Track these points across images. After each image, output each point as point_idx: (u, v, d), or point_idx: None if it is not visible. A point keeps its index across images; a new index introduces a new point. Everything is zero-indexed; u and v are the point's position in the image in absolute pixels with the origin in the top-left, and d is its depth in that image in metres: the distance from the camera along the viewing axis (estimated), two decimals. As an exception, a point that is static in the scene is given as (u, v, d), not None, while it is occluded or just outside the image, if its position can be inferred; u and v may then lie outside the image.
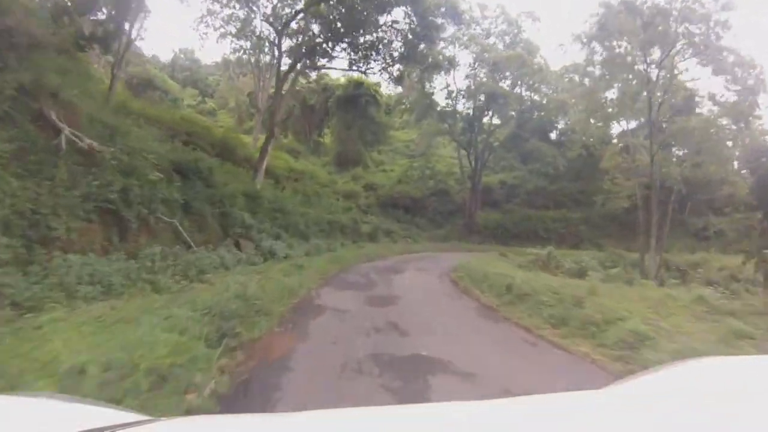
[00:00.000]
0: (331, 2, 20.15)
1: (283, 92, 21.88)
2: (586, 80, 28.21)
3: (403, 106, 38.65)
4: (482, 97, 32.42)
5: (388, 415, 1.39)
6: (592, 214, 35.86)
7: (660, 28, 22.06)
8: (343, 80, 42.17)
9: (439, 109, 33.96)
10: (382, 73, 23.52)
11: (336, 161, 40.46)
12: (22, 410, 1.26)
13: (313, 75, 32.32)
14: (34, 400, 1.43)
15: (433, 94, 33.20)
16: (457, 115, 34.68)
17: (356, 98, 41.06)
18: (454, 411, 1.34)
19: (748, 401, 1.12)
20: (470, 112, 33.20)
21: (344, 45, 21.99)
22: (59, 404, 1.38)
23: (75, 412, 1.27)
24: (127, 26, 16.74)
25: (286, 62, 22.38)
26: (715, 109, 25.97)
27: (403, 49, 22.10)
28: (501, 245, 31.22)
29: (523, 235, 33.39)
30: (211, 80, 53.93)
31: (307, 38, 22.28)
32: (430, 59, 23.97)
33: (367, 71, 23.96)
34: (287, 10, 21.62)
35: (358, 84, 41.67)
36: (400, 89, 31.31)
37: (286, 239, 15.93)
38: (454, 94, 34.00)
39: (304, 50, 21.96)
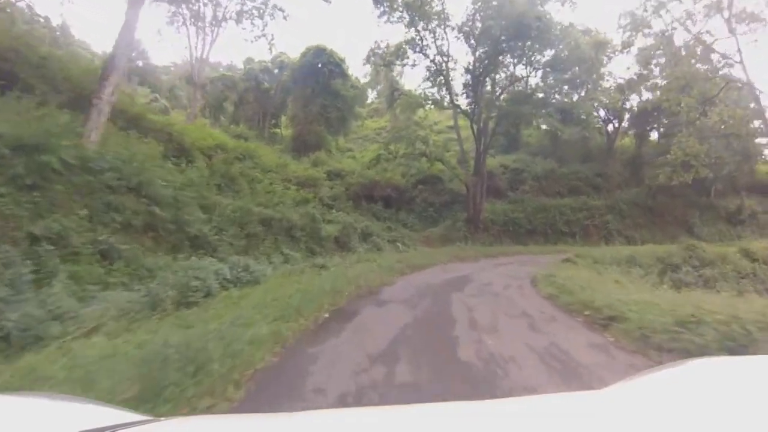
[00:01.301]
0: None
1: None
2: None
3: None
4: (497, 31, 22.31)
5: (388, 415, 1.39)
6: (616, 202, 28.98)
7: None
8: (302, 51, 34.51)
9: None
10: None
11: (292, 146, 32.63)
12: (22, 410, 1.24)
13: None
14: (34, 400, 1.43)
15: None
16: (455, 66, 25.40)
17: (317, 69, 33.19)
18: (455, 411, 1.37)
19: (748, 401, 1.10)
20: (471, 61, 24.14)
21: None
22: (59, 404, 1.40)
23: (75, 412, 1.29)
24: None
25: None
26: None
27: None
28: (518, 244, 24.10)
29: (539, 230, 26.20)
30: (165, 80, 45.83)
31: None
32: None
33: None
34: None
35: (320, 51, 33.75)
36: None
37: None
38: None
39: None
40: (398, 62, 24.50)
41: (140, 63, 45.52)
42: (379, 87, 47.18)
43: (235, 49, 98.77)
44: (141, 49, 45.24)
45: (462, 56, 24.67)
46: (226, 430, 1.28)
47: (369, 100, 49.93)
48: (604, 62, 29.43)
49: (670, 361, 2.34)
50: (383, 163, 25.01)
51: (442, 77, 24.49)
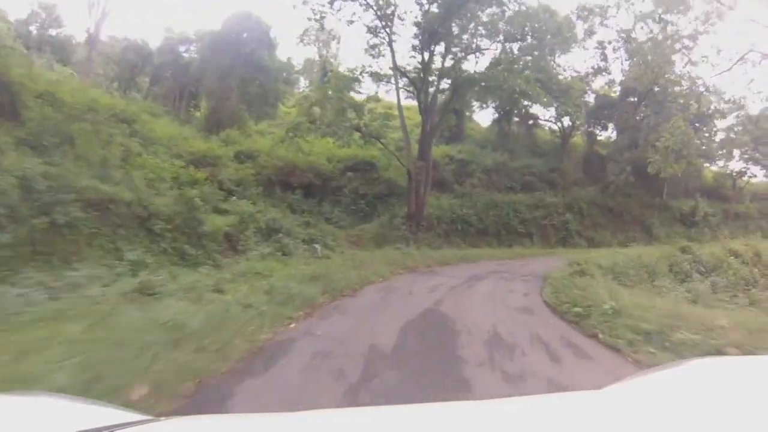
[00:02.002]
0: None
1: None
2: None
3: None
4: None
5: (387, 415, 1.39)
6: (575, 200, 25.39)
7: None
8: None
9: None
10: None
11: (206, 123, 26.89)
12: (22, 410, 1.24)
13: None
14: (34, 399, 1.40)
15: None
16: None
17: (240, 38, 27.65)
18: (455, 411, 1.38)
19: (748, 401, 1.10)
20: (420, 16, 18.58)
21: None
22: (59, 404, 1.38)
23: (75, 412, 1.27)
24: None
25: None
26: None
27: None
28: (471, 246, 19.75)
29: (492, 230, 21.96)
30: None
31: None
32: None
33: None
34: None
35: (244, 17, 28.22)
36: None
37: None
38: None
39: None
40: (332, 10, 18.91)
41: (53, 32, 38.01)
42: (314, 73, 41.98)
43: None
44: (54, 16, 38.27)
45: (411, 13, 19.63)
46: (226, 430, 1.29)
47: (301, 89, 44.41)
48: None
49: None
50: (303, 138, 19.42)
51: (385, 33, 19.32)
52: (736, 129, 34.75)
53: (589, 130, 32.60)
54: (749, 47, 23.71)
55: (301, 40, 34.26)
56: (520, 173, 26.63)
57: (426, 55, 19.07)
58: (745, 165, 39.25)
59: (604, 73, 31.08)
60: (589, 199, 25.90)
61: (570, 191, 26.11)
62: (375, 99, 22.50)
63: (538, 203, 23.99)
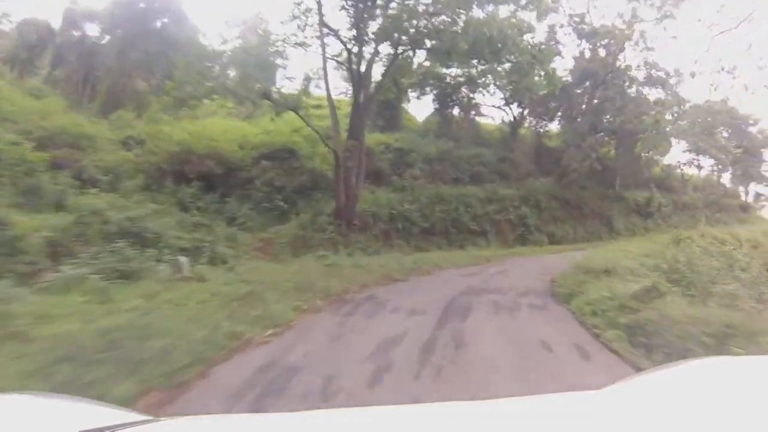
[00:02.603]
0: None
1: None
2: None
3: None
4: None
5: (387, 415, 1.38)
6: (531, 192, 22.30)
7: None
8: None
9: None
10: None
11: (103, 103, 21.72)
12: (22, 410, 1.23)
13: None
14: (34, 399, 1.39)
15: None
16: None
17: (147, 6, 22.94)
18: (454, 411, 1.36)
19: (748, 401, 1.10)
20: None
21: None
22: (59, 404, 1.38)
23: (75, 412, 1.27)
24: None
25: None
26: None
27: None
28: (415, 249, 15.89)
29: (439, 229, 18.23)
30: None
31: None
32: None
33: None
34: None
35: None
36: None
37: None
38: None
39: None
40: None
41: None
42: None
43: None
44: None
45: None
46: (226, 430, 1.28)
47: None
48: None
49: None
50: (197, 106, 14.79)
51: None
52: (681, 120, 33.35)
53: (540, 116, 29.84)
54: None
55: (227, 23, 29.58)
56: (468, 163, 23.14)
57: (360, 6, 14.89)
58: (693, 156, 38.64)
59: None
60: (546, 191, 22.88)
61: (524, 183, 22.96)
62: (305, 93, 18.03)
63: (491, 196, 20.54)
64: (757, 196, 46.20)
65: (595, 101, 25.65)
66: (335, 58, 16.96)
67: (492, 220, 19.62)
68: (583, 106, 26.89)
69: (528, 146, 29.34)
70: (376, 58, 15.86)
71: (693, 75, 15.71)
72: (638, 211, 28.04)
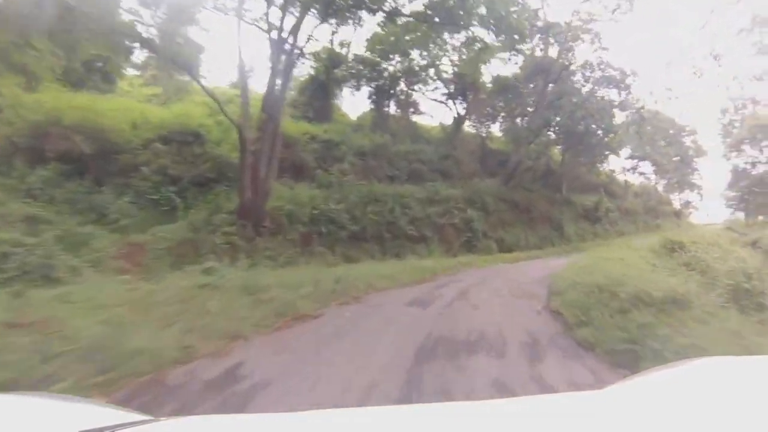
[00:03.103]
0: None
1: None
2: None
3: None
4: None
5: (388, 415, 1.39)
6: (478, 194, 20.01)
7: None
8: None
9: None
10: None
11: None
12: (22, 410, 1.23)
13: None
14: (34, 399, 1.41)
15: None
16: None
17: None
18: (454, 411, 1.38)
19: (748, 401, 1.10)
20: None
21: None
22: (59, 404, 1.40)
23: (75, 412, 1.27)
24: None
25: None
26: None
27: None
28: (341, 259, 13.00)
29: (372, 234, 15.44)
30: None
31: None
32: None
33: None
34: None
35: None
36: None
37: None
38: None
39: None
40: None
41: None
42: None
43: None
44: None
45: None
46: (226, 430, 1.27)
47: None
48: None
49: None
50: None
51: None
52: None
53: (486, 115, 27.73)
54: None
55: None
56: (406, 159, 20.47)
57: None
58: (636, 162, 38.39)
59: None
60: (493, 193, 20.62)
61: (469, 183, 20.56)
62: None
63: (432, 197, 17.92)
64: (687, 203, 47.70)
65: (548, 99, 23.76)
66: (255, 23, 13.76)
67: (433, 224, 17.01)
68: (532, 105, 25.07)
69: (472, 144, 27.18)
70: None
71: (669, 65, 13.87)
72: (586, 216, 26.61)
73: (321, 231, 13.68)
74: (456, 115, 26.51)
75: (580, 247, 20.51)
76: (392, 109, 26.43)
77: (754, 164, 44.09)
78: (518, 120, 26.83)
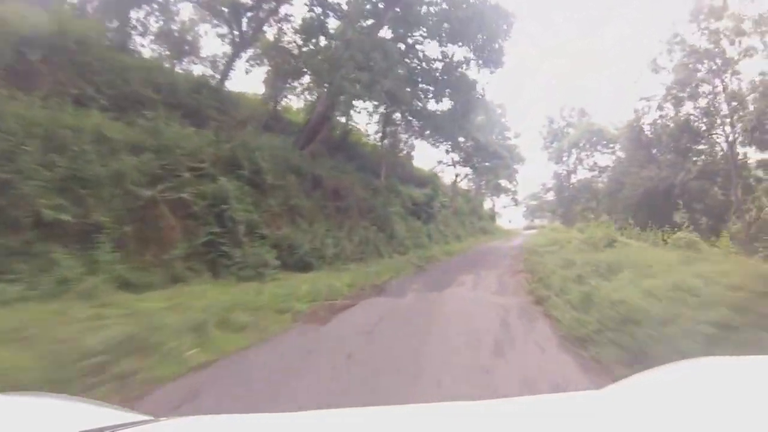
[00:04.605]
0: None
1: None
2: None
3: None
4: None
5: (387, 415, 1.35)
6: (247, 151, 10.53)
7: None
8: None
9: None
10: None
11: None
12: (22, 410, 1.21)
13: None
14: (34, 399, 1.37)
15: None
16: None
17: None
18: (453, 411, 1.33)
19: (748, 401, 1.07)
20: None
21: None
22: (59, 404, 1.35)
23: (75, 412, 1.25)
24: None
25: None
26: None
27: None
28: None
29: None
30: None
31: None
32: None
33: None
34: None
35: None
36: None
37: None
38: None
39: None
40: None
41: None
42: None
43: None
44: None
45: None
46: (226, 430, 1.26)
47: None
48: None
49: None
50: None
51: None
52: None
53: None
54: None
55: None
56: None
57: None
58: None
59: None
60: (277, 157, 11.40)
61: (235, 134, 10.99)
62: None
63: (143, 143, 7.98)
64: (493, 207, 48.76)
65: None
66: None
67: (130, 200, 7.08)
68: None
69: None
70: None
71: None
72: (416, 213, 19.07)
73: None
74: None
75: (422, 258, 12.71)
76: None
77: (569, 174, 45.49)
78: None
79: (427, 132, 21.44)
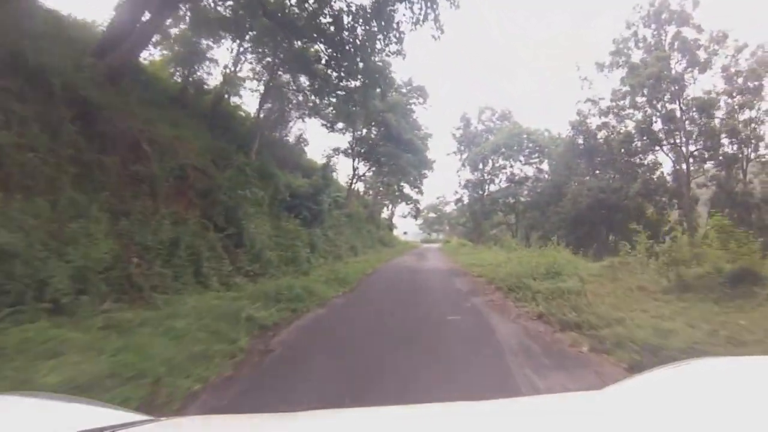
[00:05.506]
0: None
1: None
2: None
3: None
4: None
5: (387, 415, 1.35)
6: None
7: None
8: None
9: None
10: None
11: None
12: (21, 410, 1.20)
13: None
14: (34, 399, 1.35)
15: None
16: None
17: None
18: (454, 411, 1.33)
19: (748, 401, 1.07)
20: None
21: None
22: (59, 404, 1.33)
23: (75, 412, 1.23)
24: None
25: None
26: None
27: None
28: None
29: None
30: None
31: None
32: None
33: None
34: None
35: None
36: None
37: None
38: None
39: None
40: None
41: None
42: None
43: None
44: None
45: None
46: (226, 430, 1.26)
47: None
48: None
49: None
50: None
51: None
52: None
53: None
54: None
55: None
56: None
57: None
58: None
59: None
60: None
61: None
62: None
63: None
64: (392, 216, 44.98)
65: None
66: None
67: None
68: None
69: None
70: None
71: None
72: (294, 209, 13.19)
73: None
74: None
75: (294, 289, 6.93)
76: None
77: (483, 183, 41.48)
78: None
79: (325, 101, 15.68)
